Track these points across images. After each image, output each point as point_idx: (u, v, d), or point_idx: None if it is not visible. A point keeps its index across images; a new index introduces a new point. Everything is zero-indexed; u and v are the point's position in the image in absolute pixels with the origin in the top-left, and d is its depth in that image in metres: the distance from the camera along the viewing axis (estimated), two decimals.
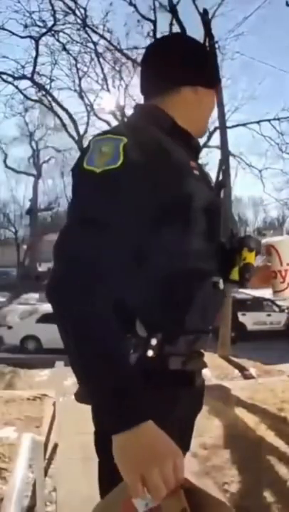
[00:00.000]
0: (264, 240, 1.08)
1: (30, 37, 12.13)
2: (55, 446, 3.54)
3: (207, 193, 0.97)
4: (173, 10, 11.47)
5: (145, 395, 0.72)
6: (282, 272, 1.05)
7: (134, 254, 0.81)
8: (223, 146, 10.93)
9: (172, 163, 0.88)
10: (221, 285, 0.99)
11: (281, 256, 1.04)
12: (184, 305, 0.90)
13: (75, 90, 13.34)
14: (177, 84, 1.00)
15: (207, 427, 3.98)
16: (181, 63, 1.00)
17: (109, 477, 0.93)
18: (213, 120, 11.82)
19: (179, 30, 11.59)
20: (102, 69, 12.74)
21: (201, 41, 10.94)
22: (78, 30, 12.02)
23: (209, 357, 10.03)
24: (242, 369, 8.59)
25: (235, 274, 1.01)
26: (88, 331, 0.73)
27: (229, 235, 1.06)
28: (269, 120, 12.28)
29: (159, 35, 11.96)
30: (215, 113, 11.25)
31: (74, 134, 13.13)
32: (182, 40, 1.11)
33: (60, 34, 12.11)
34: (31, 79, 12.56)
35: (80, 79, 13.11)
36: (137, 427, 0.70)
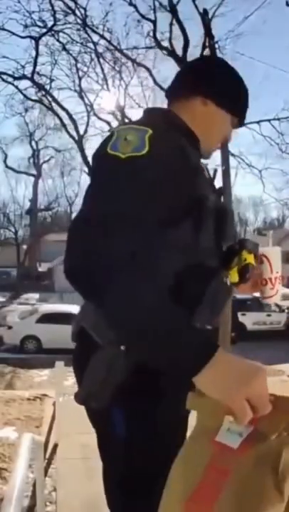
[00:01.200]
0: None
1: (30, 37, 12.18)
2: (55, 446, 3.54)
3: (213, 196, 0.99)
4: (173, 10, 11.48)
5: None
6: (272, 280, 1.11)
7: (148, 242, 0.78)
8: (223, 146, 10.92)
9: (190, 162, 0.90)
10: (228, 281, 1.01)
11: (272, 264, 1.10)
12: (194, 299, 0.91)
13: (75, 90, 13.40)
14: (189, 90, 1.03)
15: None
16: (199, 74, 1.06)
17: (114, 476, 0.96)
18: None
19: (179, 31, 11.62)
20: (102, 69, 12.79)
21: (201, 41, 11.00)
22: (78, 30, 12.08)
23: None
24: None
25: (234, 276, 1.04)
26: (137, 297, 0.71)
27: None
28: (269, 120, 12.32)
29: (159, 35, 12.03)
30: None
31: (74, 134, 13.16)
32: (215, 60, 1.17)
33: (60, 34, 12.18)
34: (31, 79, 12.58)
35: (80, 79, 13.17)
36: (217, 353, 0.69)
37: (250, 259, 1.03)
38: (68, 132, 13.41)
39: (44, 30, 11.99)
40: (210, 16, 11.25)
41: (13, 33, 12.02)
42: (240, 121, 1.11)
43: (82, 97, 13.46)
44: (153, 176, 0.80)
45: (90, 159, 12.94)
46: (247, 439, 0.65)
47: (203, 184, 0.94)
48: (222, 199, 1.10)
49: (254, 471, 0.63)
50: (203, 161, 1.06)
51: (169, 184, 0.83)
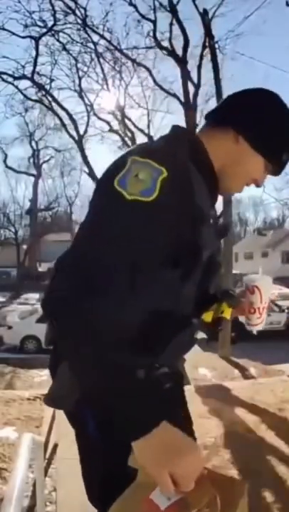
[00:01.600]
0: (246, 278, 1.14)
1: (31, 37, 12.14)
2: (55, 446, 3.53)
3: (213, 243, 0.97)
4: (173, 10, 11.47)
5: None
6: (260, 309, 1.15)
7: (134, 281, 0.79)
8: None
9: (196, 212, 0.86)
10: (197, 333, 1.03)
11: (262, 295, 1.14)
12: (159, 346, 0.92)
13: (75, 90, 13.36)
14: (224, 122, 0.99)
15: (207, 427, 3.98)
16: (243, 107, 0.99)
17: (93, 474, 1.01)
18: None
19: (179, 31, 11.61)
20: (102, 69, 12.76)
21: (201, 41, 10.98)
22: (78, 30, 12.04)
23: (209, 357, 10.04)
24: (242, 369, 8.60)
25: (208, 317, 1.07)
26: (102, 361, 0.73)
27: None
28: None
29: (159, 35, 12.02)
30: None
31: (74, 134, 13.14)
32: (267, 96, 1.04)
33: (60, 34, 12.14)
34: (31, 79, 12.56)
35: (80, 79, 13.13)
36: (157, 427, 0.71)
37: (227, 313, 1.07)
38: (68, 132, 13.39)
39: (44, 30, 11.96)
40: (210, 16, 11.23)
41: (13, 33, 11.99)
42: (277, 169, 1.02)
43: (82, 97, 13.44)
44: (153, 228, 0.79)
45: (90, 159, 12.98)
46: (173, 505, 0.71)
47: (205, 232, 0.90)
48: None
49: None
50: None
51: (167, 232, 0.80)
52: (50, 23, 11.78)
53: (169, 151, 0.87)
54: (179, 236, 0.82)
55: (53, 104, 13.11)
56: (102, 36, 12.03)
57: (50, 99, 13.06)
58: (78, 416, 0.97)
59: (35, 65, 12.30)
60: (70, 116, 12.95)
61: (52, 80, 13.05)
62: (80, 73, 13.03)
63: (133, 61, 12.54)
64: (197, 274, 0.93)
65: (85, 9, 11.56)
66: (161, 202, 0.78)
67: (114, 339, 0.73)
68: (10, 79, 12.65)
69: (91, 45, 12.29)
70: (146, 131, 13.56)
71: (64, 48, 12.39)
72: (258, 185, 1.05)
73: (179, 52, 11.87)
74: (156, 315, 0.88)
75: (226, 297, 1.08)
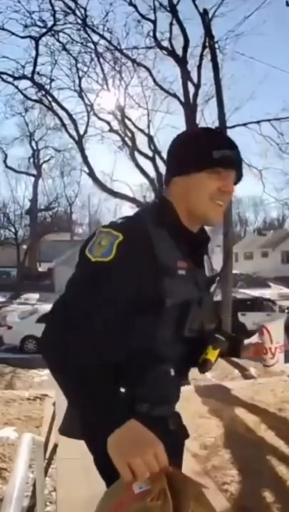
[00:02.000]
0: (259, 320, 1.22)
1: (30, 37, 12.15)
2: (55, 446, 3.54)
3: (185, 293, 1.09)
4: (173, 10, 11.48)
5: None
6: (272, 349, 1.26)
7: (106, 328, 0.99)
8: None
9: (156, 265, 1.03)
10: (172, 373, 1.13)
11: (272, 336, 1.26)
12: (135, 382, 1.07)
13: (75, 90, 13.36)
14: (168, 176, 1.17)
15: (207, 427, 3.98)
16: (168, 159, 1.19)
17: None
18: (214, 120, 11.88)
19: (179, 31, 11.62)
20: (102, 69, 12.77)
21: (201, 41, 10.99)
22: (78, 30, 12.06)
23: None
24: (242, 369, 8.59)
25: (213, 356, 1.17)
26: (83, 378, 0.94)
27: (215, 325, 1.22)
28: (269, 120, 12.28)
29: (159, 35, 12.02)
30: (215, 114, 11.27)
31: (74, 134, 13.14)
32: (175, 141, 1.18)
33: (60, 34, 12.16)
34: (31, 79, 12.56)
35: (80, 79, 13.13)
36: (125, 424, 0.88)
37: (211, 355, 1.16)
38: (68, 132, 13.40)
39: (44, 30, 11.98)
40: (210, 16, 11.23)
41: (13, 33, 11.99)
42: (223, 165, 1.09)
43: (82, 97, 13.43)
44: (113, 279, 0.99)
45: (90, 159, 12.97)
46: (143, 492, 0.87)
47: (170, 283, 1.05)
48: (212, 288, 1.23)
49: None
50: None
51: (126, 284, 1.00)
52: (50, 23, 11.82)
53: (129, 220, 1.07)
54: (139, 286, 1.01)
55: (53, 104, 13.13)
56: (102, 36, 12.05)
57: (50, 99, 13.08)
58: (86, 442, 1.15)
59: (35, 65, 12.33)
60: (70, 116, 12.96)
61: (52, 80, 13.07)
62: (80, 73, 13.05)
63: (133, 61, 12.55)
64: (165, 319, 1.07)
65: (85, 9, 11.60)
66: (116, 261, 0.98)
67: (82, 363, 0.93)
68: (10, 79, 12.68)
69: (91, 45, 12.32)
70: (146, 131, 13.58)
71: (64, 48, 12.42)
72: (226, 191, 1.11)
73: (179, 52, 11.89)
74: (126, 351, 1.04)
75: (211, 340, 1.17)
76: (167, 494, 0.88)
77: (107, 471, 0.95)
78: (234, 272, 12.75)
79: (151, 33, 12.01)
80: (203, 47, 11.55)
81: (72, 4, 11.50)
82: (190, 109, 11.82)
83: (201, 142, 1.11)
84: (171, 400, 1.19)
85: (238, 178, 1.15)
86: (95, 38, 12.11)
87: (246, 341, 1.29)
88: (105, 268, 0.99)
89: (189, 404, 4.85)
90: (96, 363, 0.93)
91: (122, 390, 1.04)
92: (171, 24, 11.70)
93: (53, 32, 12.05)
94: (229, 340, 1.21)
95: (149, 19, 11.95)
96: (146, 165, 13.48)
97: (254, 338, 1.28)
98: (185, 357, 1.15)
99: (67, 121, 13.15)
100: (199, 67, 11.84)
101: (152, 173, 13.29)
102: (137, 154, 13.30)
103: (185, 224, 1.13)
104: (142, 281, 1.01)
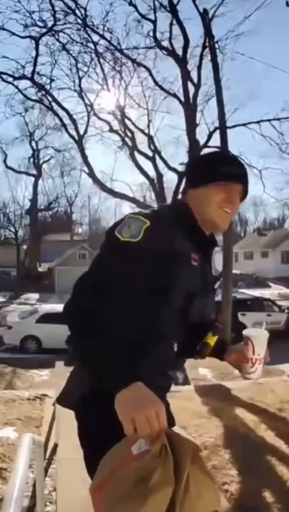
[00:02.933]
0: (245, 330, 1.36)
1: (31, 37, 12.16)
2: (55, 446, 3.54)
3: (195, 282, 1.24)
4: (173, 10, 11.48)
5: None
6: (253, 360, 1.33)
7: (127, 300, 1.10)
8: (223, 146, 10.92)
9: (175, 252, 1.17)
10: (175, 347, 1.25)
11: (255, 347, 1.33)
12: (142, 356, 1.12)
13: (75, 90, 13.35)
14: (185, 188, 1.37)
15: (207, 427, 3.98)
16: (186, 173, 1.45)
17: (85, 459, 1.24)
18: (213, 120, 11.88)
19: (179, 31, 11.62)
20: (102, 69, 12.76)
21: (201, 41, 10.98)
22: (78, 30, 12.06)
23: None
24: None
25: (212, 341, 1.32)
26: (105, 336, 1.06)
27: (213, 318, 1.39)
28: (269, 120, 12.28)
29: (159, 35, 12.02)
30: (215, 114, 11.27)
31: (74, 134, 13.14)
32: (193, 159, 1.51)
33: (60, 34, 12.15)
34: (31, 79, 12.56)
35: (80, 79, 13.12)
36: (132, 384, 0.97)
37: (210, 340, 1.31)
38: (68, 132, 13.39)
39: (44, 30, 11.97)
40: (210, 16, 11.22)
41: (13, 33, 11.99)
42: (227, 178, 1.28)
43: (82, 97, 13.41)
44: (139, 258, 1.12)
45: (89, 159, 12.97)
46: (142, 453, 0.94)
47: (183, 271, 1.19)
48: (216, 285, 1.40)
49: (133, 477, 0.93)
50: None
51: (149, 265, 1.13)
52: (50, 23, 11.81)
53: (154, 211, 1.25)
54: (159, 268, 1.13)
55: (53, 104, 13.13)
56: (102, 36, 12.05)
57: (50, 99, 13.08)
58: (77, 413, 1.22)
59: (35, 65, 12.32)
60: (70, 116, 12.96)
61: (52, 80, 13.06)
62: (80, 73, 13.04)
63: (133, 61, 12.55)
64: (176, 303, 1.19)
65: (85, 9, 11.60)
66: (143, 243, 1.13)
67: (107, 323, 1.06)
68: (10, 79, 12.67)
69: (91, 45, 12.32)
70: (146, 131, 13.57)
71: (64, 48, 12.41)
72: (230, 202, 1.29)
73: (179, 52, 11.88)
74: (137, 325, 1.11)
75: (211, 327, 1.33)
76: (168, 450, 0.94)
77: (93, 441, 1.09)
78: (234, 271, 12.74)
79: (151, 33, 12.04)
80: (203, 47, 11.56)
81: (72, 4, 11.52)
82: (190, 109, 11.82)
83: (210, 160, 1.35)
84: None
85: (245, 193, 1.34)
86: (95, 38, 12.13)
87: (231, 347, 1.40)
88: (133, 247, 1.12)
89: (189, 404, 4.85)
90: (119, 326, 1.06)
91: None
92: (171, 24, 11.72)
93: (53, 32, 12.06)
94: (217, 343, 1.35)
95: (149, 19, 11.97)
96: (147, 165, 13.47)
97: (239, 346, 1.37)
98: (185, 341, 1.27)
99: (67, 121, 13.16)
100: (199, 67, 11.86)
101: (152, 173, 13.29)
102: (137, 154, 13.31)
103: (203, 227, 1.31)
104: (162, 264, 1.13)
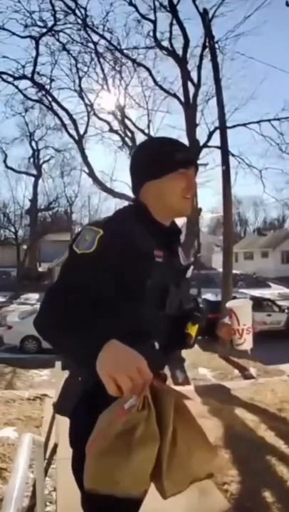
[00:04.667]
0: (227, 304, 1.39)
1: (31, 37, 12.13)
2: (55, 446, 3.54)
3: (163, 277, 1.25)
4: (173, 10, 11.48)
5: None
6: (239, 330, 1.35)
7: (93, 306, 1.13)
8: (223, 146, 10.93)
9: (135, 253, 1.19)
10: (157, 346, 1.27)
11: (239, 318, 1.35)
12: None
13: (75, 90, 13.32)
14: (139, 183, 1.35)
15: (207, 427, 3.96)
16: (136, 168, 1.37)
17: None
18: (213, 120, 11.88)
19: (179, 31, 11.61)
20: (102, 69, 12.73)
21: (201, 41, 10.98)
22: (78, 30, 12.04)
23: (209, 357, 10.04)
24: (242, 369, 8.61)
25: (193, 331, 1.36)
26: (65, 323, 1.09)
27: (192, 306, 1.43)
28: (269, 120, 12.25)
29: (159, 35, 12.02)
30: (215, 114, 11.28)
31: (74, 133, 13.13)
32: (140, 151, 1.40)
33: (61, 34, 12.13)
34: (31, 79, 12.55)
35: (80, 79, 13.09)
36: (106, 345, 0.97)
37: (191, 330, 1.35)
38: (68, 132, 13.37)
39: (44, 30, 11.95)
40: (210, 16, 11.22)
41: (14, 33, 11.96)
42: (185, 165, 1.29)
43: (82, 97, 13.39)
44: (95, 267, 1.16)
45: (89, 159, 12.97)
46: (132, 407, 0.95)
47: (147, 268, 1.21)
48: (189, 273, 1.40)
49: (119, 430, 0.94)
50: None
51: (107, 270, 1.16)
52: (50, 23, 11.79)
53: (109, 218, 1.27)
54: (121, 271, 1.16)
55: (53, 104, 13.10)
56: (102, 36, 12.04)
57: (50, 99, 13.05)
58: (71, 419, 1.27)
59: (35, 65, 12.30)
60: (70, 116, 12.93)
61: (52, 80, 13.03)
62: (80, 73, 13.01)
63: (133, 61, 12.54)
64: (147, 300, 1.21)
65: (85, 9, 11.58)
66: (98, 251, 1.16)
67: (68, 312, 1.09)
68: (10, 79, 12.64)
69: (91, 45, 12.29)
70: (146, 131, 13.55)
71: (64, 48, 12.39)
72: (191, 187, 1.32)
73: (179, 52, 11.88)
74: (114, 328, 1.08)
75: (190, 317, 1.37)
76: (150, 403, 0.95)
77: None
78: (234, 271, 12.73)
79: (151, 33, 12.01)
80: (203, 47, 11.55)
81: (72, 4, 11.50)
82: (190, 109, 11.82)
83: (165, 150, 1.32)
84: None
85: (196, 170, 1.37)
86: (95, 38, 12.10)
87: (220, 321, 1.43)
88: (88, 257, 1.16)
89: (189, 404, 4.85)
90: (86, 317, 1.07)
91: None
92: (171, 24, 11.71)
93: (53, 32, 12.04)
94: (207, 321, 1.41)
95: (149, 19, 11.95)
96: None
97: (226, 320, 1.40)
98: (168, 333, 1.30)
99: (67, 121, 13.13)
100: (199, 67, 11.84)
101: None
102: None
103: (159, 220, 1.33)
104: (123, 267, 1.17)
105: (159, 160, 1.31)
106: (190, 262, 1.45)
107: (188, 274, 1.42)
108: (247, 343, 1.36)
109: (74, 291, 1.13)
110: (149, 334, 1.24)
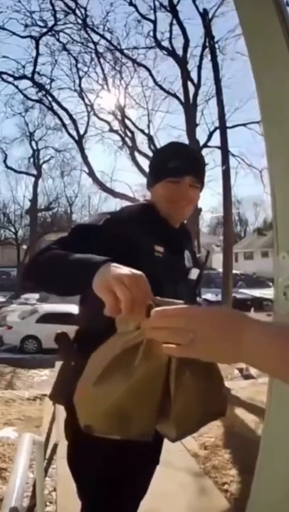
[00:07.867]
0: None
1: (31, 37, 12.13)
2: (55, 446, 3.54)
3: (159, 271, 1.19)
4: (173, 10, 11.47)
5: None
6: None
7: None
8: (223, 146, 10.92)
9: (131, 241, 1.21)
10: None
11: None
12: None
13: (75, 90, 13.32)
14: (148, 186, 1.45)
15: (207, 427, 3.97)
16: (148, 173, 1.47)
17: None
18: (213, 120, 11.88)
19: (179, 30, 11.61)
20: (102, 69, 12.72)
21: (201, 41, 10.97)
22: (79, 30, 12.02)
23: None
24: (242, 369, 8.59)
25: None
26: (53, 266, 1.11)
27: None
28: None
29: (159, 35, 12.01)
30: (215, 113, 11.28)
31: (74, 134, 13.13)
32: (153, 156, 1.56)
33: (61, 34, 12.12)
34: (31, 79, 12.55)
35: (80, 79, 13.08)
36: (103, 265, 0.93)
37: None
38: (68, 132, 13.36)
39: (44, 30, 11.96)
40: (210, 16, 11.22)
41: (14, 33, 11.96)
42: (173, 174, 1.33)
43: (82, 97, 13.38)
44: (97, 235, 1.21)
45: (90, 159, 12.98)
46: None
47: (138, 258, 1.14)
48: (192, 275, 1.39)
49: (120, 352, 0.86)
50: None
51: (106, 244, 1.13)
52: (50, 23, 11.79)
53: (117, 211, 1.39)
54: (116, 250, 1.08)
55: (53, 104, 13.11)
56: (102, 36, 12.03)
57: (50, 99, 13.06)
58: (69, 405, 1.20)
59: (35, 64, 12.31)
60: (70, 116, 12.93)
61: (52, 80, 13.03)
62: (80, 73, 13.00)
63: (133, 61, 12.54)
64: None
65: (85, 9, 11.57)
66: (103, 226, 1.23)
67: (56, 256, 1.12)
68: (10, 79, 12.65)
69: (91, 45, 12.28)
70: (146, 131, 13.55)
71: (64, 48, 12.39)
72: (180, 196, 1.34)
73: (179, 52, 11.87)
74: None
75: None
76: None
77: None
78: (234, 271, 12.73)
79: (151, 33, 12.00)
80: (203, 47, 11.55)
81: (72, 4, 11.49)
82: (190, 109, 11.82)
83: (157, 160, 1.42)
84: None
85: (199, 181, 1.39)
86: (95, 38, 12.09)
87: None
88: (93, 226, 1.24)
89: None
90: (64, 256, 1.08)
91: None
92: (171, 24, 11.69)
93: (53, 32, 12.04)
94: None
95: (149, 19, 11.93)
96: (147, 165, 13.44)
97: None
98: None
99: (67, 121, 13.13)
100: (199, 67, 11.84)
101: None
102: (137, 154, 13.30)
103: (168, 220, 1.37)
104: (119, 249, 1.11)
105: (151, 169, 1.42)
106: (195, 265, 1.44)
107: (193, 275, 1.41)
108: None
109: (69, 241, 1.20)
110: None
